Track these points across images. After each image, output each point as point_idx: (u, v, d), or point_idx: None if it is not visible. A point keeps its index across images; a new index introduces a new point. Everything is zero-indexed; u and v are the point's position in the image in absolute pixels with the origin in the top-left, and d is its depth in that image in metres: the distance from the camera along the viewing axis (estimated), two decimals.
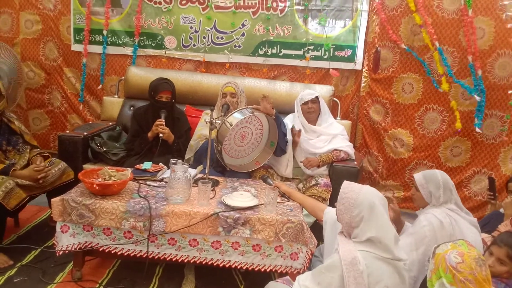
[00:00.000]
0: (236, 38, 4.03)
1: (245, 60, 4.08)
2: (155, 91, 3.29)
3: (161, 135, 3.14)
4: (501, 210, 2.97)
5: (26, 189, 2.73)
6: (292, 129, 3.28)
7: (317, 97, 3.37)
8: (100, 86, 4.27)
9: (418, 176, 2.42)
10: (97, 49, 4.20)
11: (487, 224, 2.88)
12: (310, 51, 3.97)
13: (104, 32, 4.13)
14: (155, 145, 3.19)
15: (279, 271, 2.38)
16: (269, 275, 2.52)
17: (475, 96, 3.63)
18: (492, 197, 3.13)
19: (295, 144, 3.26)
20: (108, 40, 4.16)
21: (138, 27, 4.10)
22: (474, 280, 1.54)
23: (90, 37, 4.18)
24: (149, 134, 3.23)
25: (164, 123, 3.18)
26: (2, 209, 2.57)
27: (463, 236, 2.27)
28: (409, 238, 2.27)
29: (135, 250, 2.40)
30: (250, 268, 2.38)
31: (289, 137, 3.21)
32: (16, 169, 2.79)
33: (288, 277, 2.09)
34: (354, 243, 1.82)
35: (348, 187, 1.89)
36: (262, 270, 2.38)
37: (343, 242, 1.84)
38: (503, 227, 2.63)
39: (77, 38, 4.23)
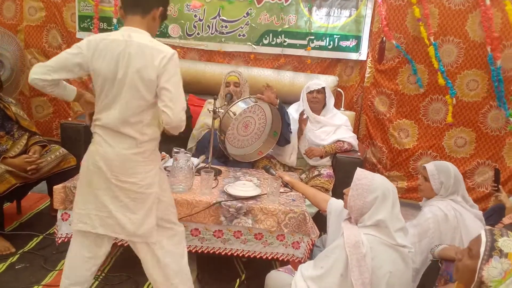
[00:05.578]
0: (241, 27, 4.00)
1: (249, 49, 4.04)
2: None
3: None
4: None
5: (18, 176, 2.72)
6: (301, 114, 3.26)
7: (323, 88, 3.35)
8: None
9: (430, 167, 2.39)
10: None
11: (490, 217, 2.86)
12: (314, 41, 3.94)
13: (114, 20, 4.10)
14: None
15: (280, 259, 2.38)
16: (271, 264, 2.52)
17: (454, 99, 3.68)
18: (496, 188, 3.11)
19: (300, 132, 3.25)
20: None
21: None
22: None
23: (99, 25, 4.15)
24: None
25: None
26: None
27: (466, 229, 2.25)
28: (413, 229, 2.26)
29: None
30: (251, 256, 2.38)
31: (293, 126, 3.19)
32: (7, 157, 2.77)
33: (289, 266, 2.09)
34: (360, 228, 1.84)
35: (362, 174, 1.92)
36: (264, 257, 2.37)
37: (348, 227, 1.86)
38: (507, 220, 2.62)
39: (82, 26, 4.20)
